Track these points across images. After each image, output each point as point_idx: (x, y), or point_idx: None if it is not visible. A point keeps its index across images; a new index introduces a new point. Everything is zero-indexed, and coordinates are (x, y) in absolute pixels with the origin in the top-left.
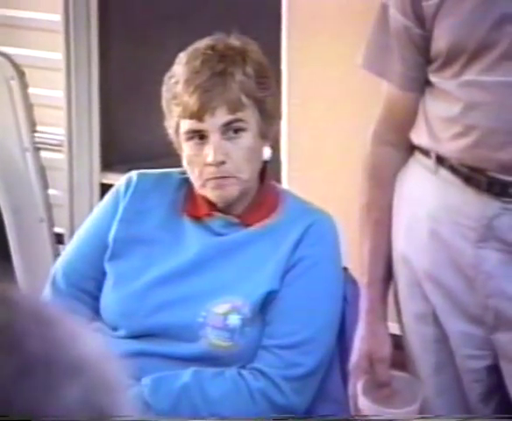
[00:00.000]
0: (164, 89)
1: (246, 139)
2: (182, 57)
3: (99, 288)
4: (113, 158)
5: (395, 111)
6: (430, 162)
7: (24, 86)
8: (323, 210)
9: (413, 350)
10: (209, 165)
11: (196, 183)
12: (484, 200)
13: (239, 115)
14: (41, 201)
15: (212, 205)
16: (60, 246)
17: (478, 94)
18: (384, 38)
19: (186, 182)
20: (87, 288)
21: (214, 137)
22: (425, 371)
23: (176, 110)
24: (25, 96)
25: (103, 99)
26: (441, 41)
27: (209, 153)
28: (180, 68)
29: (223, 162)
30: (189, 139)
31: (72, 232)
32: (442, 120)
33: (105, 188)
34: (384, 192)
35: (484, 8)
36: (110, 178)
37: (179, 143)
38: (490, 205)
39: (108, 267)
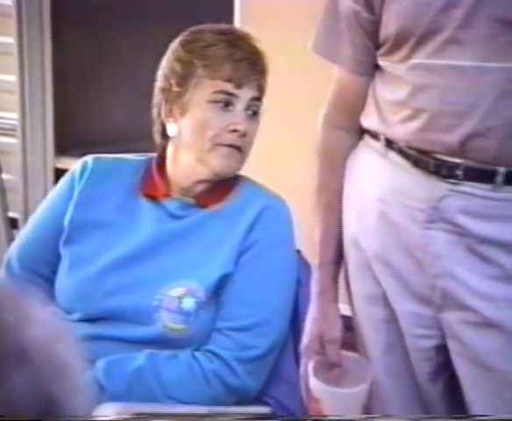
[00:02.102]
0: (180, 49)
1: (257, 122)
2: (209, 30)
3: (54, 271)
4: (67, 143)
5: (346, 95)
6: (380, 145)
7: None
8: (276, 194)
9: (363, 331)
10: (234, 131)
11: (203, 147)
12: (432, 182)
13: (260, 95)
14: None
15: (169, 186)
16: (15, 231)
17: (425, 77)
18: (334, 22)
19: (143, 166)
20: (42, 272)
21: (241, 107)
22: (375, 351)
23: (202, 71)
24: None
25: (57, 84)
26: (389, 26)
27: (239, 122)
28: (209, 35)
29: (246, 134)
30: (214, 101)
31: (26, 217)
32: (391, 104)
33: (59, 172)
34: (335, 175)
35: None
36: (64, 162)
37: (186, 105)
38: (438, 187)
39: (63, 250)
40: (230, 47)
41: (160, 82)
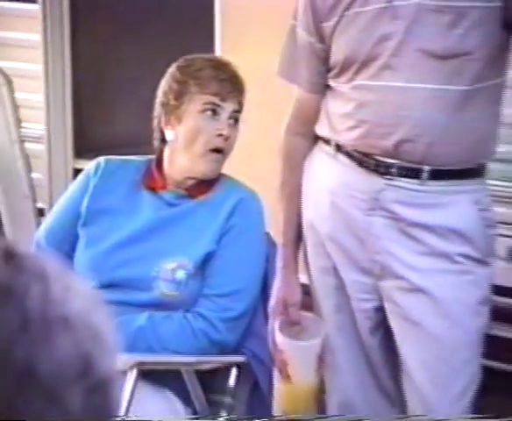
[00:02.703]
0: (179, 70)
1: (237, 130)
2: (201, 58)
3: (73, 249)
4: (83, 147)
5: (303, 109)
6: (331, 149)
7: (11, 91)
8: (250, 188)
9: (318, 295)
10: (219, 136)
11: (196, 151)
12: (372, 178)
13: (240, 108)
14: (26, 182)
15: (166, 181)
16: (42, 218)
17: (366, 95)
18: (293, 51)
19: (144, 165)
20: (64, 249)
21: (225, 116)
22: (327, 312)
23: (196, 88)
24: (13, 100)
25: (75, 101)
26: (337, 54)
27: (224, 128)
28: (202, 61)
29: (228, 138)
30: (203, 111)
31: (51, 207)
32: (339, 116)
33: (77, 171)
34: (295, 173)
35: (369, 28)
36: (80, 164)
37: (181, 115)
38: (377, 182)
39: (80, 232)
40: (216, 70)
41: (159, 98)
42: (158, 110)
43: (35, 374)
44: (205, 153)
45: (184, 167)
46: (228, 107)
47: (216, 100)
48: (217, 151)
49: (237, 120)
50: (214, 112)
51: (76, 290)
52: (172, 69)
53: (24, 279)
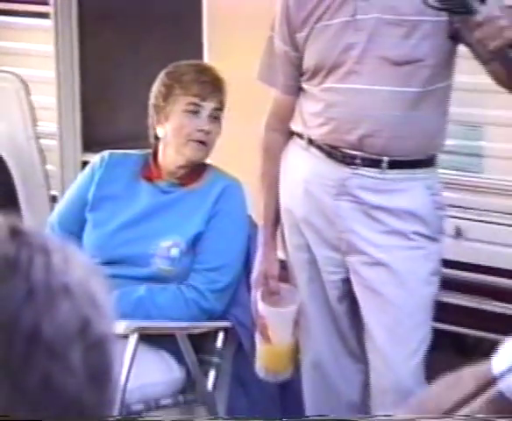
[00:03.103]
0: (167, 76)
1: (218, 127)
2: (185, 64)
3: (81, 231)
4: (90, 143)
5: (280, 109)
6: (304, 143)
7: (28, 94)
8: (234, 177)
9: (293, 269)
10: (201, 131)
11: (179, 141)
12: (339, 168)
13: (220, 106)
14: (41, 173)
15: (160, 172)
16: (54, 204)
17: (333, 96)
18: (271, 59)
19: (142, 158)
20: (73, 231)
21: (206, 114)
22: (301, 283)
23: (180, 91)
24: (29, 102)
25: (83, 103)
26: (309, 61)
27: (204, 124)
28: (186, 67)
29: (208, 132)
30: (186, 111)
31: (62, 194)
32: (311, 114)
33: (85, 163)
34: (273, 164)
35: (335, 39)
36: (88, 157)
37: (168, 114)
38: (344, 171)
39: (88, 216)
40: (197, 74)
41: (151, 100)
42: (151, 110)
43: (40, 336)
44: (187, 142)
45: (173, 158)
46: (208, 106)
47: (196, 100)
48: (199, 142)
49: (217, 117)
50: (195, 111)
51: (75, 261)
52: (161, 75)
53: (29, 252)
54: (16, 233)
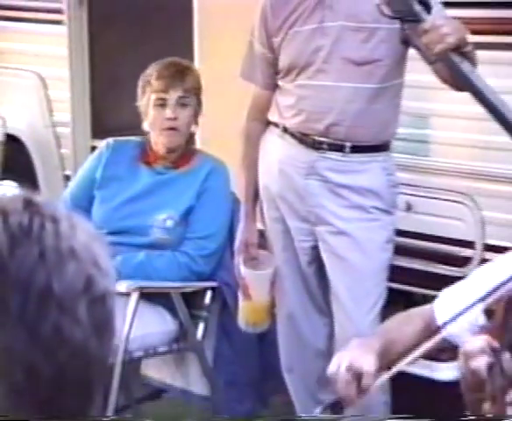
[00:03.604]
0: (141, 80)
1: (188, 111)
2: (154, 64)
3: (90, 205)
4: (98, 130)
5: (259, 102)
6: (279, 131)
7: (45, 89)
8: (220, 160)
9: (270, 238)
10: (169, 119)
11: (155, 133)
12: (310, 152)
13: (187, 95)
14: (56, 156)
15: (156, 155)
16: (68, 182)
17: (304, 91)
18: (251, 60)
19: (141, 144)
20: (83, 205)
21: (172, 103)
22: (277, 249)
23: (149, 89)
24: (47, 95)
25: (92, 96)
26: (283, 61)
27: (170, 112)
28: (154, 67)
29: (175, 118)
30: (156, 105)
31: (74, 174)
32: (285, 106)
33: (93, 148)
34: (253, 149)
35: (305, 43)
36: (96, 143)
37: (146, 110)
38: (312, 155)
39: (96, 193)
40: (160, 71)
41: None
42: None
43: (51, 292)
44: (161, 132)
45: (157, 146)
46: (172, 96)
47: (161, 94)
48: (170, 129)
49: (184, 103)
50: (162, 104)
51: (80, 228)
52: (142, 76)
53: (40, 220)
54: (29, 204)
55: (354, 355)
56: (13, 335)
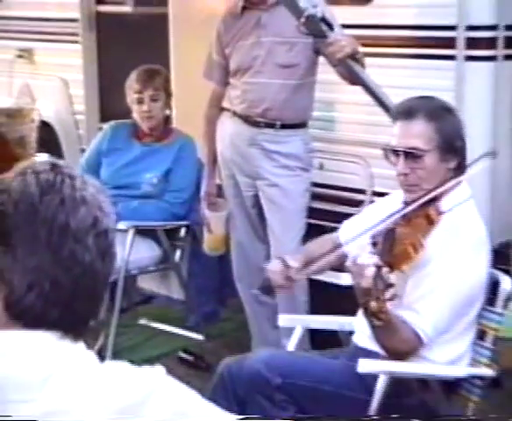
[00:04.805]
0: (127, 83)
1: (158, 104)
2: (134, 71)
3: (99, 168)
4: (104, 117)
5: (216, 94)
6: (230, 114)
7: (67, 88)
8: (190, 135)
9: (225, 189)
10: (145, 111)
11: (138, 120)
12: (251, 128)
13: (156, 92)
14: (75, 135)
15: (144, 133)
16: (83, 153)
17: (247, 86)
18: (211, 64)
19: (133, 125)
20: (94, 170)
21: (147, 100)
22: (230, 197)
23: (131, 90)
24: (68, 93)
25: (100, 93)
26: (232, 65)
27: (145, 106)
28: (133, 74)
29: (150, 111)
30: (135, 102)
31: (88, 147)
32: (234, 97)
33: (100, 129)
34: (212, 127)
35: (247, 52)
36: (103, 125)
37: (131, 105)
38: (253, 130)
39: (102, 160)
40: (138, 75)
41: None
42: None
43: (69, 227)
44: (142, 119)
45: (141, 127)
46: (146, 94)
47: (138, 95)
48: (147, 118)
49: (156, 98)
50: (140, 100)
51: (89, 183)
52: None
53: (61, 177)
54: (54, 166)
55: (285, 257)
56: (42, 258)
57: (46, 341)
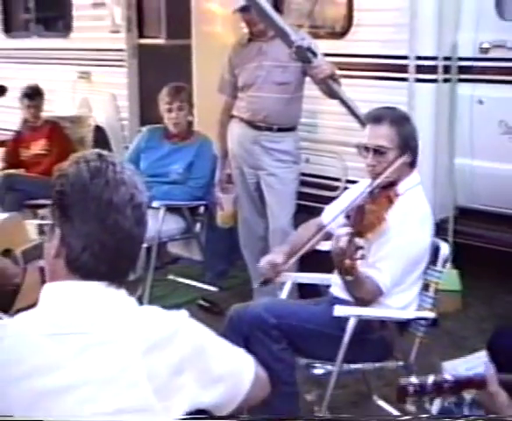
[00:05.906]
0: (159, 97)
1: (183, 113)
2: (165, 87)
3: (139, 162)
4: (142, 122)
5: (227, 105)
6: (238, 120)
7: (115, 101)
8: (208, 136)
9: (234, 177)
10: (172, 118)
11: (168, 125)
12: (254, 131)
13: (182, 104)
14: (121, 136)
15: (172, 135)
16: (127, 150)
17: (251, 99)
18: (224, 82)
19: (165, 129)
20: (136, 162)
21: (175, 109)
22: (237, 183)
23: (162, 102)
24: (116, 104)
25: (140, 104)
26: (240, 83)
27: (173, 116)
28: (165, 89)
29: (177, 117)
30: (166, 110)
31: (131, 145)
32: (241, 107)
33: (140, 131)
34: (224, 130)
35: (252, 73)
36: (141, 129)
37: (163, 113)
38: (256, 132)
39: (141, 155)
40: (168, 89)
41: None
42: None
43: (112, 202)
44: (170, 124)
45: (170, 130)
46: (174, 105)
47: (168, 106)
48: (174, 124)
49: (182, 108)
50: (169, 109)
51: (127, 168)
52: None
53: (106, 164)
54: (100, 156)
55: (272, 255)
56: (92, 226)
57: (97, 288)
